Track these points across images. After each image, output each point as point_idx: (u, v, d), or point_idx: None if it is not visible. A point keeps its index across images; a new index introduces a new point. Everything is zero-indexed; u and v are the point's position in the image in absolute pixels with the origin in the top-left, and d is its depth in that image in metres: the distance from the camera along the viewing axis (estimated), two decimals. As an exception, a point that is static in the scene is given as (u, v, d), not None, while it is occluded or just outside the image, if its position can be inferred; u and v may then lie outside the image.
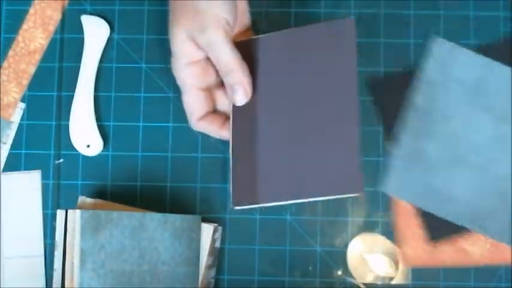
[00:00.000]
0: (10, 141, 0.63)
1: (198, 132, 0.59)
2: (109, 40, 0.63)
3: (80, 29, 0.63)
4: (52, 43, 0.64)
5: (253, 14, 0.60)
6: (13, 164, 0.63)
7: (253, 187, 0.54)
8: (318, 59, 0.56)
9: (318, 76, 0.55)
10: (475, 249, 0.60)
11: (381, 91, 0.61)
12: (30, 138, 0.63)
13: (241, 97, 0.55)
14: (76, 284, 0.53)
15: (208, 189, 0.62)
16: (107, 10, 0.64)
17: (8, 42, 0.64)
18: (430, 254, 0.60)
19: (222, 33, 0.53)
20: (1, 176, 0.63)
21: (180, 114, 0.62)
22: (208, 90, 0.57)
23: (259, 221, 0.61)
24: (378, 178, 0.61)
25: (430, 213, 0.59)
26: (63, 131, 0.63)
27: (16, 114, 0.63)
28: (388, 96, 0.61)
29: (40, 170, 0.63)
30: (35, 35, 0.64)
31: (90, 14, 0.64)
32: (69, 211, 0.55)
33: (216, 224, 0.60)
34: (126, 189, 0.62)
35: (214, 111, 0.58)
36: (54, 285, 0.55)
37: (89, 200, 0.61)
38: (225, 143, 0.62)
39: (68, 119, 0.62)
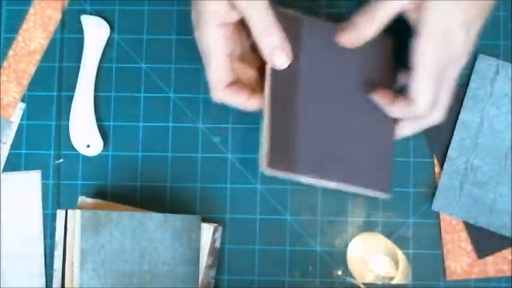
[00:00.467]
0: (10, 141, 0.63)
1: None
2: (109, 40, 0.63)
3: (80, 29, 0.63)
4: (52, 43, 0.64)
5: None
6: (13, 164, 0.63)
7: (289, 154, 0.53)
8: (359, 57, 0.56)
9: (359, 72, 0.56)
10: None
11: None
12: (30, 138, 0.63)
13: (283, 60, 0.53)
14: (76, 284, 0.53)
15: (208, 189, 0.62)
16: (107, 10, 0.64)
17: (8, 42, 0.64)
18: (475, 267, 0.60)
19: None
20: (1, 176, 0.63)
21: (180, 114, 0.63)
22: (234, 59, 0.55)
23: (259, 221, 0.61)
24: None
25: (477, 228, 0.60)
26: (63, 131, 0.63)
27: (16, 114, 0.63)
28: None
29: (40, 170, 0.63)
30: (35, 35, 0.64)
31: (90, 14, 0.64)
32: (69, 211, 0.55)
33: (216, 224, 0.60)
34: (126, 189, 0.62)
35: (238, 82, 0.55)
36: (54, 285, 0.55)
37: (89, 200, 0.61)
38: (225, 143, 0.62)
39: (68, 119, 0.62)
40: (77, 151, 0.62)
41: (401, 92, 0.55)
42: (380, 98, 0.55)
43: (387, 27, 0.52)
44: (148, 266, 0.56)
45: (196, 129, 0.62)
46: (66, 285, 0.54)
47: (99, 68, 0.63)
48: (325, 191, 0.61)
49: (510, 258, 0.60)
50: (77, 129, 0.62)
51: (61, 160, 0.63)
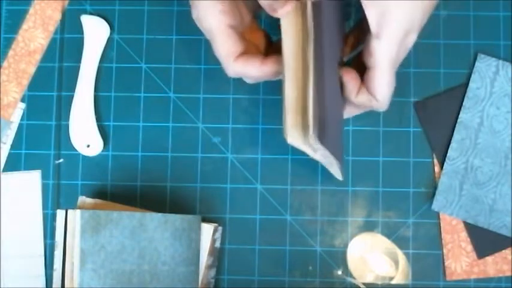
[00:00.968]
0: (10, 141, 0.63)
1: (234, 79, 0.54)
2: (109, 40, 0.63)
3: (80, 29, 0.63)
4: (52, 43, 0.64)
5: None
6: (13, 164, 0.63)
7: (323, 127, 0.50)
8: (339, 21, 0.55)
9: (337, 36, 0.55)
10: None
11: (427, 111, 0.61)
12: (30, 138, 0.63)
13: (280, 7, 0.50)
14: (76, 284, 0.53)
15: (208, 189, 0.62)
16: (107, 10, 0.64)
17: (8, 42, 0.64)
18: (475, 267, 0.60)
19: None
20: (1, 176, 0.63)
21: (180, 114, 0.63)
22: (239, 31, 0.53)
23: (259, 221, 0.61)
24: (378, 178, 0.61)
25: (477, 229, 0.60)
26: (63, 131, 0.63)
27: (16, 114, 0.63)
28: (435, 115, 0.61)
29: (40, 170, 0.63)
30: (35, 35, 0.64)
31: (90, 14, 0.64)
32: (69, 211, 0.55)
33: (216, 224, 0.60)
34: (126, 189, 0.62)
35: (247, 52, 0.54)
36: (54, 285, 0.55)
37: (89, 200, 0.61)
38: (225, 143, 0.62)
39: (68, 119, 0.62)
40: (77, 151, 0.62)
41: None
42: (349, 79, 0.53)
43: None
44: (148, 266, 0.56)
45: (196, 129, 0.62)
46: (66, 285, 0.54)
47: (99, 68, 0.63)
48: (325, 191, 0.61)
49: (510, 258, 0.60)
50: (77, 129, 0.62)
51: (61, 160, 0.63)
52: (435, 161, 0.61)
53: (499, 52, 0.62)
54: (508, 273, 0.60)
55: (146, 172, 0.62)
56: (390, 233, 0.61)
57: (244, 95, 0.62)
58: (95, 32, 0.63)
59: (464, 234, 0.60)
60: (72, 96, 0.62)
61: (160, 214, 0.57)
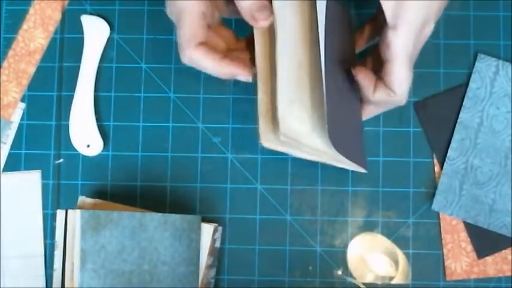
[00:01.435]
0: (10, 141, 0.63)
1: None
2: (109, 40, 0.63)
3: (80, 29, 0.63)
4: (52, 43, 0.64)
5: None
6: (13, 164, 0.63)
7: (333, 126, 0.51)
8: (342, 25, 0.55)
9: (340, 39, 0.55)
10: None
11: (427, 111, 0.61)
12: (30, 138, 0.63)
13: (264, 19, 0.51)
14: (76, 284, 0.53)
15: (208, 189, 0.62)
16: (107, 10, 0.64)
17: (8, 42, 0.64)
18: (475, 267, 0.60)
19: None
20: (1, 176, 0.63)
21: (180, 114, 0.63)
22: (207, 21, 0.53)
23: (259, 221, 0.61)
24: (378, 178, 0.61)
25: (477, 229, 0.60)
26: (63, 131, 0.63)
27: (16, 114, 0.63)
28: (435, 115, 0.61)
29: (40, 170, 0.63)
30: (35, 35, 0.64)
31: (90, 14, 0.64)
32: (69, 211, 0.55)
33: (216, 224, 0.60)
34: (126, 189, 0.62)
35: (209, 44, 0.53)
36: (54, 285, 0.55)
37: (89, 200, 0.61)
38: (225, 143, 0.62)
39: (68, 119, 0.62)
40: (77, 151, 0.62)
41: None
42: (363, 78, 0.52)
43: None
44: (148, 266, 0.56)
45: (196, 129, 0.62)
46: (66, 285, 0.54)
47: (99, 68, 0.63)
48: (325, 191, 0.61)
49: (510, 258, 0.60)
50: (77, 129, 0.62)
51: (61, 160, 0.63)
52: (435, 161, 0.61)
53: (499, 52, 0.62)
54: (508, 273, 0.60)
55: (146, 172, 0.62)
56: (390, 233, 0.61)
57: (245, 95, 0.62)
58: (95, 32, 0.63)
59: (464, 234, 0.60)
60: (72, 96, 0.62)
61: (160, 214, 0.57)
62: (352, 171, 0.61)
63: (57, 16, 0.64)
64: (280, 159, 0.62)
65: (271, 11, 0.51)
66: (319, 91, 0.51)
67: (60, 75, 0.64)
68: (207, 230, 0.59)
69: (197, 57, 0.52)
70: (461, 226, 0.60)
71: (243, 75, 0.53)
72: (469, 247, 0.60)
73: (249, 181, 0.62)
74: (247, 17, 0.51)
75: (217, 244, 0.61)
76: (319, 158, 0.56)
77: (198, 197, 0.62)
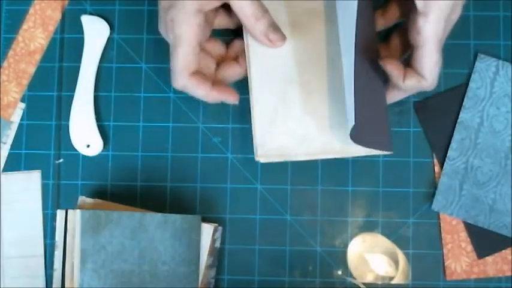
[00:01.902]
0: (10, 141, 0.63)
1: (180, 92, 0.56)
2: (109, 40, 0.63)
3: (80, 29, 0.63)
4: (52, 43, 0.64)
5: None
6: (13, 164, 0.63)
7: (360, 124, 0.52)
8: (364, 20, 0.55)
9: (362, 32, 0.55)
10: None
11: (427, 111, 0.61)
12: (30, 138, 0.63)
13: (280, 39, 0.54)
14: (76, 284, 0.53)
15: (208, 189, 0.62)
16: (107, 10, 0.64)
17: (8, 42, 0.64)
18: (475, 267, 0.60)
19: None
20: (1, 176, 0.63)
21: (180, 114, 0.63)
22: (202, 44, 0.55)
23: (259, 221, 0.61)
24: (378, 178, 0.61)
25: (477, 229, 0.60)
26: (63, 131, 0.63)
27: (16, 114, 0.63)
28: (435, 115, 0.61)
29: (40, 170, 0.63)
30: (35, 35, 0.64)
31: (90, 14, 0.64)
32: (69, 211, 0.55)
33: (216, 224, 0.60)
34: (126, 189, 0.62)
35: (200, 72, 0.56)
36: (54, 285, 0.55)
37: (89, 200, 0.61)
38: (225, 143, 0.62)
39: (68, 119, 0.62)
40: (77, 151, 0.62)
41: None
42: (392, 69, 0.53)
43: None
44: (148, 266, 0.56)
45: (196, 129, 0.62)
46: (66, 285, 0.54)
47: (99, 68, 0.63)
48: (325, 191, 0.61)
49: (510, 258, 0.60)
50: (77, 129, 0.62)
51: (61, 160, 0.63)
52: (435, 161, 0.61)
53: (499, 52, 0.62)
54: (508, 273, 0.60)
55: (146, 172, 0.62)
56: (390, 233, 0.61)
57: (245, 95, 0.62)
58: (95, 32, 0.63)
59: (464, 234, 0.60)
60: (72, 96, 0.62)
61: (160, 214, 0.57)
62: (353, 171, 0.61)
63: (57, 16, 0.64)
64: (280, 159, 0.62)
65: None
66: (319, 94, 0.53)
67: (60, 75, 0.64)
68: (207, 230, 0.59)
69: (189, 86, 0.54)
70: (461, 226, 0.60)
71: (230, 100, 0.56)
72: (469, 247, 0.60)
73: (249, 181, 0.62)
74: (261, 39, 0.54)
75: (217, 244, 0.61)
76: (325, 156, 0.57)
77: (198, 197, 0.62)
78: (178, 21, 0.53)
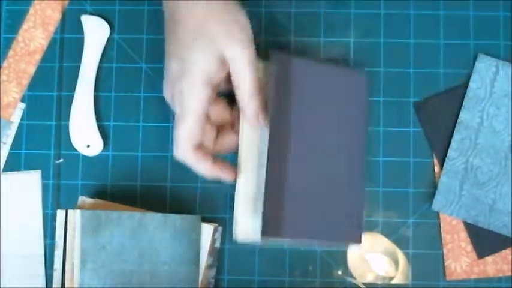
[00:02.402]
0: (10, 141, 0.63)
1: (181, 163, 0.56)
2: (109, 40, 0.63)
3: (80, 29, 0.63)
4: (52, 43, 0.64)
5: (253, 14, 0.60)
6: (13, 164, 0.63)
7: (283, 219, 0.53)
8: (333, 103, 0.56)
9: (331, 119, 0.56)
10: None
11: (427, 111, 0.61)
12: (30, 138, 0.63)
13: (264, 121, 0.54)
14: (76, 284, 0.53)
15: (208, 189, 0.62)
16: (107, 10, 0.64)
17: (8, 42, 0.64)
18: (475, 267, 0.60)
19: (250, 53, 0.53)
20: (1, 176, 0.63)
21: (180, 114, 0.62)
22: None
23: (259, 221, 0.61)
24: (378, 178, 0.61)
25: (477, 228, 0.60)
26: (63, 131, 0.63)
27: (16, 114, 0.63)
28: (435, 115, 0.61)
29: (40, 170, 0.63)
30: (35, 35, 0.64)
31: (90, 14, 0.64)
32: (69, 211, 0.55)
33: (216, 224, 0.60)
34: (126, 189, 0.62)
35: (203, 147, 0.56)
36: (54, 285, 0.55)
37: (89, 200, 0.61)
38: (225, 143, 0.62)
39: (68, 119, 0.62)
40: (77, 151, 0.62)
41: None
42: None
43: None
44: (148, 266, 0.56)
45: (196, 129, 0.62)
46: (66, 285, 0.54)
47: (99, 68, 0.63)
48: (325, 191, 0.61)
49: (510, 258, 0.60)
50: (77, 129, 0.62)
51: (61, 160, 0.63)
52: (435, 161, 0.61)
53: (499, 52, 0.62)
54: (508, 273, 0.60)
55: (146, 172, 0.62)
56: (390, 233, 0.61)
57: (244, 95, 0.62)
58: (95, 32, 0.63)
59: (464, 234, 0.60)
60: (72, 96, 0.62)
61: (160, 214, 0.57)
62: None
63: (57, 16, 0.64)
64: (280, 159, 0.61)
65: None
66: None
67: (60, 75, 0.64)
68: (207, 230, 0.59)
69: (191, 159, 0.54)
70: (461, 226, 0.60)
71: (227, 179, 0.56)
72: (469, 247, 0.60)
73: (249, 181, 0.62)
74: (252, 119, 0.54)
75: (217, 244, 0.61)
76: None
77: (198, 197, 0.62)
78: (187, 93, 0.52)
